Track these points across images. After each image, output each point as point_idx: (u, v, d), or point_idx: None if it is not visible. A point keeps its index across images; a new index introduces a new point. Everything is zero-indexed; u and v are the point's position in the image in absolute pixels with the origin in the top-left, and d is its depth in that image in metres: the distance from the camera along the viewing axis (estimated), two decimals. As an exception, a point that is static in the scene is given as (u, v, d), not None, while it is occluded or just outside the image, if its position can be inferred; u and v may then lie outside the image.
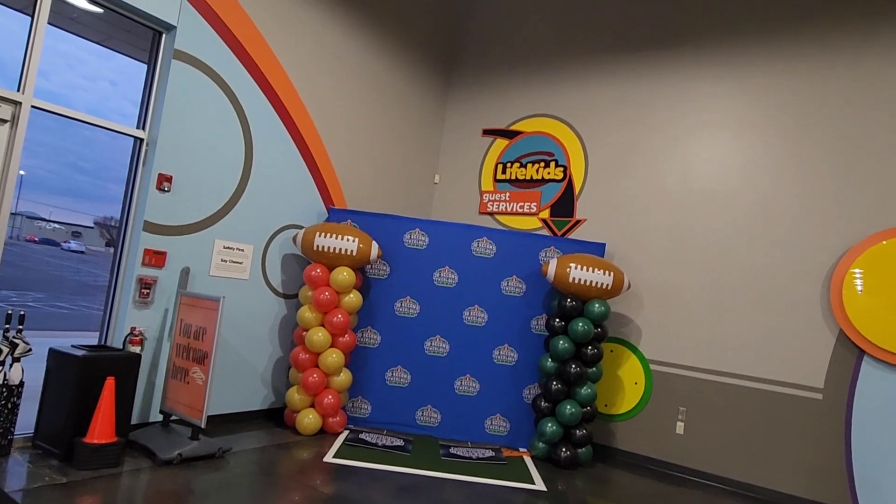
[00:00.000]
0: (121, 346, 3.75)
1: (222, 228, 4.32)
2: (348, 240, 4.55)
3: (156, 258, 3.91)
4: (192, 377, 3.71)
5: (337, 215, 4.97)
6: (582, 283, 4.58)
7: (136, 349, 3.75)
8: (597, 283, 4.59)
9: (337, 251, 4.52)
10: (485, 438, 4.88)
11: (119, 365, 3.48)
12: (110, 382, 3.30)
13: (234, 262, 4.44)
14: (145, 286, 3.85)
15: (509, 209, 5.88)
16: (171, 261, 4.00)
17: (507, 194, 5.92)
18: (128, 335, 3.76)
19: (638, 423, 4.99)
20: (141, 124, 3.93)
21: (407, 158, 6.07)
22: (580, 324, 4.50)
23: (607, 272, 4.63)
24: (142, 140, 3.91)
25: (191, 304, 3.87)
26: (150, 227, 3.87)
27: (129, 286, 3.81)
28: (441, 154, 6.54)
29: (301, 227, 4.94)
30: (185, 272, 4.08)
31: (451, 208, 6.34)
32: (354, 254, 4.56)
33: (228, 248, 4.38)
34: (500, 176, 6.02)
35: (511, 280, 5.00)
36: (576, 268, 4.61)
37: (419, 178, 6.28)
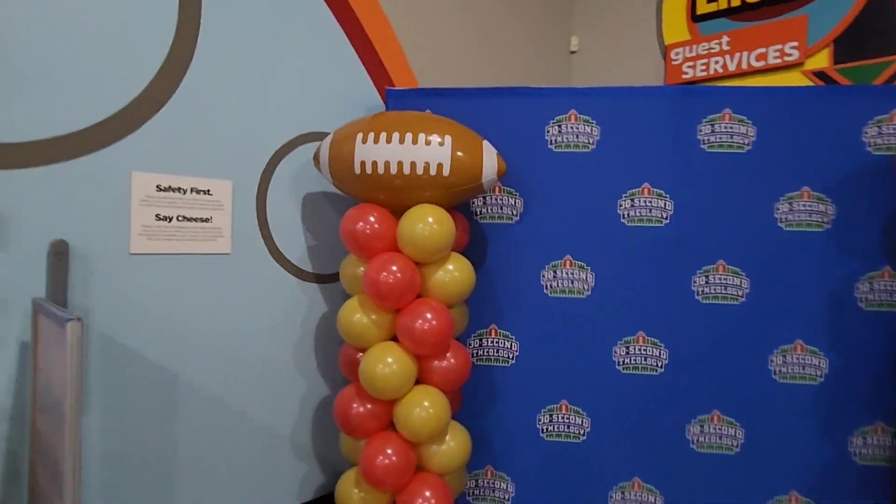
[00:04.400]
0: None
1: (147, 147, 1.91)
2: (431, 141, 1.99)
3: (-42, 226, 1.56)
4: (55, 533, 1.36)
5: (401, 100, 2.40)
6: None
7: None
8: None
9: (407, 169, 1.98)
10: (769, 547, 2.25)
11: None
12: None
13: (191, 222, 2.03)
14: (-61, 298, 1.53)
15: (733, 66, 3.02)
16: (12, 230, 1.65)
17: (725, 39, 3.05)
18: None
19: None
20: None
21: (518, 15, 3.34)
22: None
23: None
24: None
25: (52, 332, 1.51)
26: (-72, 149, 1.52)
27: None
28: (577, 1, 3.74)
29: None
30: (58, 253, 1.72)
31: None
32: (447, 171, 1.99)
33: (170, 189, 1.97)
34: (702, 9, 3.16)
35: (799, 197, 2.23)
36: None
37: (543, 47, 3.54)
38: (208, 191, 2.06)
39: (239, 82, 2.13)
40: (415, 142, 1.98)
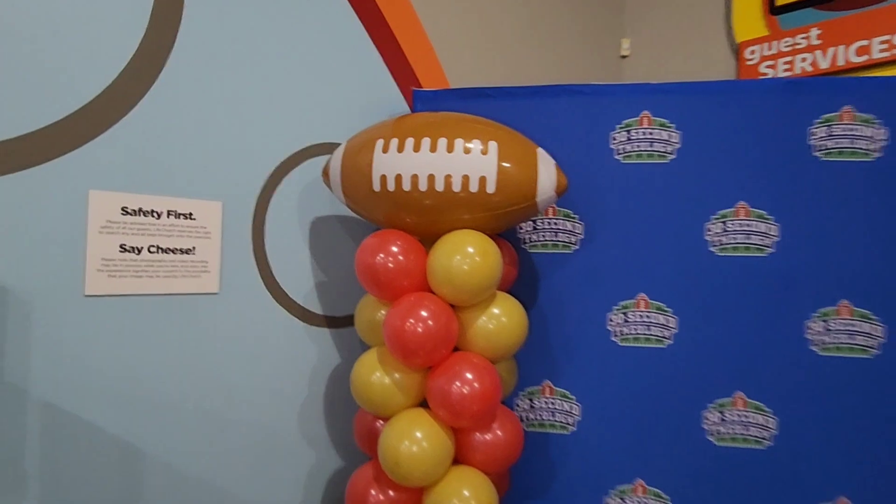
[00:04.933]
0: None
1: (110, 158, 1.50)
2: (471, 149, 1.53)
3: None
4: None
5: (431, 104, 1.96)
6: None
7: None
8: None
9: (440, 185, 1.52)
10: None
11: None
12: None
13: (168, 254, 1.60)
14: None
15: (826, 64, 2.53)
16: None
17: (815, 32, 2.56)
18: None
19: None
20: None
21: (563, 15, 2.92)
22: None
23: None
24: None
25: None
26: None
27: None
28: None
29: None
30: (-19, 297, 1.30)
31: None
32: (491, 187, 1.52)
33: (140, 212, 1.56)
34: (782, -1, 2.69)
35: (951, 218, 1.72)
36: None
37: (590, 51, 3.11)
38: (190, 214, 1.64)
39: (231, 80, 1.72)
40: (450, 149, 1.53)
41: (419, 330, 1.47)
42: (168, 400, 1.60)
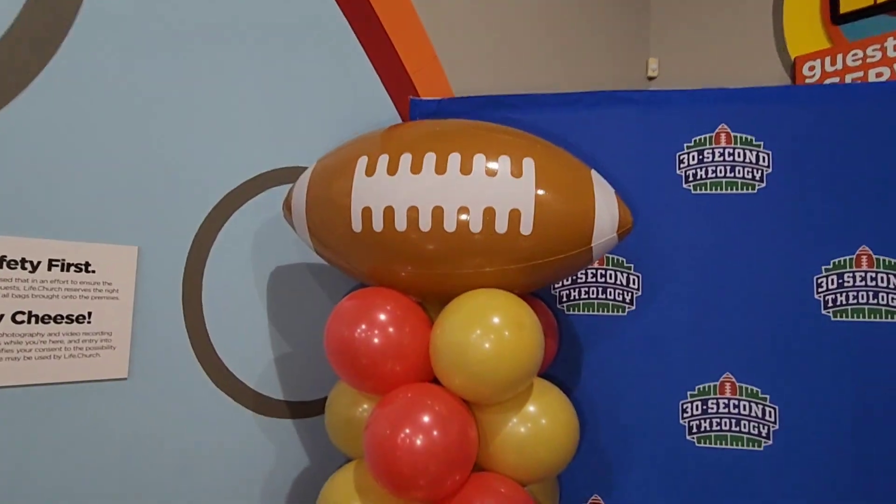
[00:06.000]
0: None
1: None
2: (496, 170, 1.04)
3: None
4: None
5: (431, 114, 1.49)
6: None
7: None
8: None
9: (451, 223, 1.02)
10: None
11: None
12: None
13: (48, 324, 1.08)
14: None
15: (911, 78, 2.10)
16: None
17: (892, 42, 2.13)
18: None
19: None
20: None
21: (585, 35, 2.50)
22: None
23: None
24: None
25: None
26: None
27: None
28: (655, 13, 2.91)
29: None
30: None
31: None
32: (527, 226, 1.02)
33: (3, 262, 1.04)
34: (848, 6, 2.27)
35: None
36: None
37: (614, 73, 2.68)
38: (86, 265, 1.13)
39: (157, 75, 1.24)
40: (465, 170, 1.03)
41: (418, 445, 0.95)
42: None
